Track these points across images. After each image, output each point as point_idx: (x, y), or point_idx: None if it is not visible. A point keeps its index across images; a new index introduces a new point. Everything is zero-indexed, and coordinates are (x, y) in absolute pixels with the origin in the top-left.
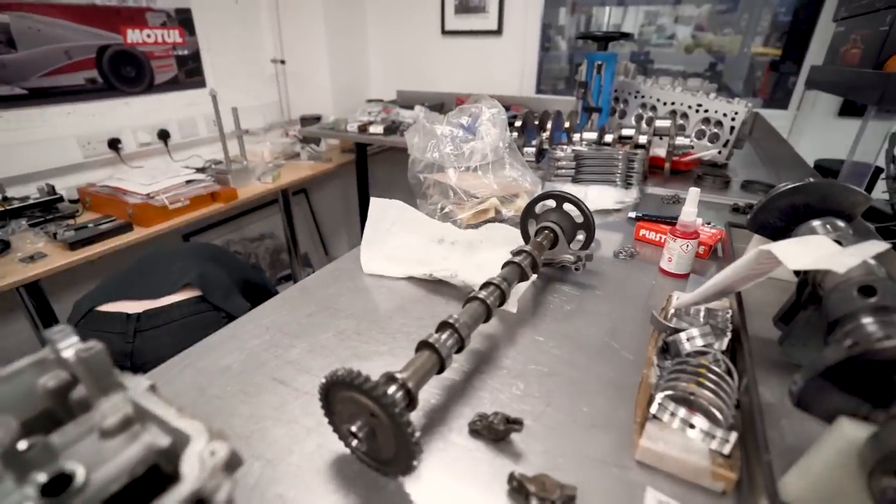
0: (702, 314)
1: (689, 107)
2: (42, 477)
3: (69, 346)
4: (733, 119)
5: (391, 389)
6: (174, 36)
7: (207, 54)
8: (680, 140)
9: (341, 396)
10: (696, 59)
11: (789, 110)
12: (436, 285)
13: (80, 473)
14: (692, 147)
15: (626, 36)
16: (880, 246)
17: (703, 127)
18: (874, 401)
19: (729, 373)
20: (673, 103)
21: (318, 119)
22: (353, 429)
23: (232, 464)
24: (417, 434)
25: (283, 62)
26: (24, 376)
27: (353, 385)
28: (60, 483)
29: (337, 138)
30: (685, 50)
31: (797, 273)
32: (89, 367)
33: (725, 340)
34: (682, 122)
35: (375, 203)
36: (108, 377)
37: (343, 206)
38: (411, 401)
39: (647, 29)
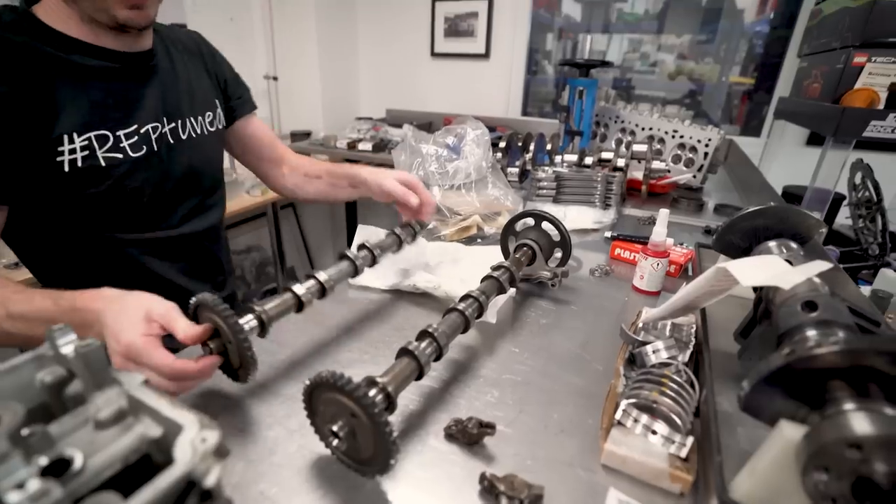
0: (668, 328)
1: (666, 132)
2: (43, 460)
3: (68, 342)
4: (707, 145)
5: (372, 392)
6: None
7: None
8: (656, 164)
9: (324, 398)
10: (678, 86)
11: (761, 138)
12: (418, 298)
13: (77, 459)
14: (668, 171)
15: (606, 64)
16: (824, 265)
17: (679, 152)
18: (811, 404)
19: (690, 383)
20: (651, 129)
21: (308, 135)
22: (335, 428)
23: (221, 451)
24: (395, 434)
25: (275, 79)
26: (22, 371)
27: (336, 386)
28: (59, 467)
29: (326, 154)
30: (668, 77)
31: (754, 290)
32: (87, 362)
33: (688, 353)
34: (659, 146)
35: (362, 229)
36: (103, 372)
37: (330, 222)
38: (390, 404)
39: (630, 56)
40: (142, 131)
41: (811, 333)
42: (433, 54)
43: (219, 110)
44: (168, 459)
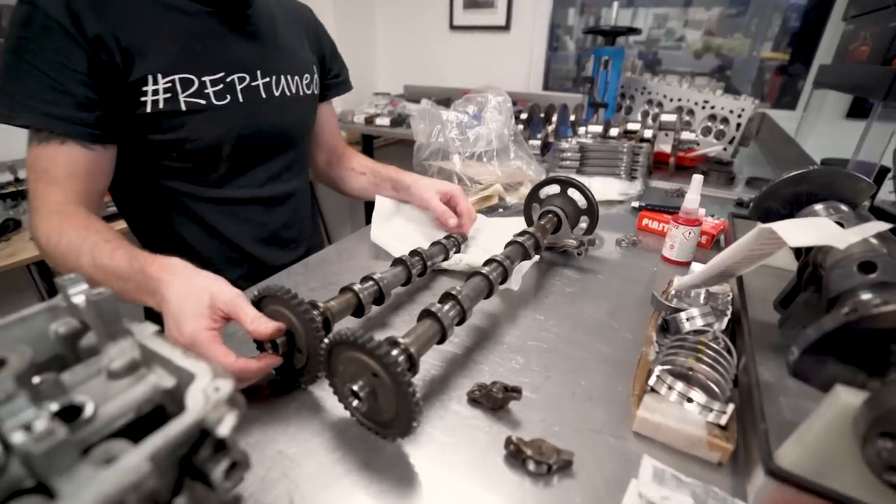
0: (702, 297)
1: (696, 103)
2: (54, 406)
3: (79, 291)
4: (740, 116)
5: (394, 351)
6: None
7: None
8: (685, 135)
9: (344, 356)
10: (705, 63)
11: (796, 111)
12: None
13: (89, 406)
14: (697, 143)
15: (633, 31)
16: (881, 225)
17: (710, 124)
18: (870, 369)
19: (728, 350)
20: (679, 100)
21: None
22: (355, 388)
23: (235, 401)
24: (418, 395)
25: None
26: (36, 321)
27: (357, 344)
28: (71, 413)
29: (343, 129)
30: (694, 54)
31: (798, 256)
32: (99, 311)
33: (725, 321)
34: (688, 118)
35: (381, 201)
36: (116, 323)
37: (348, 198)
38: (413, 365)
39: (656, 32)
40: (228, 80)
41: (868, 296)
42: (452, 27)
43: (316, 76)
44: (181, 410)
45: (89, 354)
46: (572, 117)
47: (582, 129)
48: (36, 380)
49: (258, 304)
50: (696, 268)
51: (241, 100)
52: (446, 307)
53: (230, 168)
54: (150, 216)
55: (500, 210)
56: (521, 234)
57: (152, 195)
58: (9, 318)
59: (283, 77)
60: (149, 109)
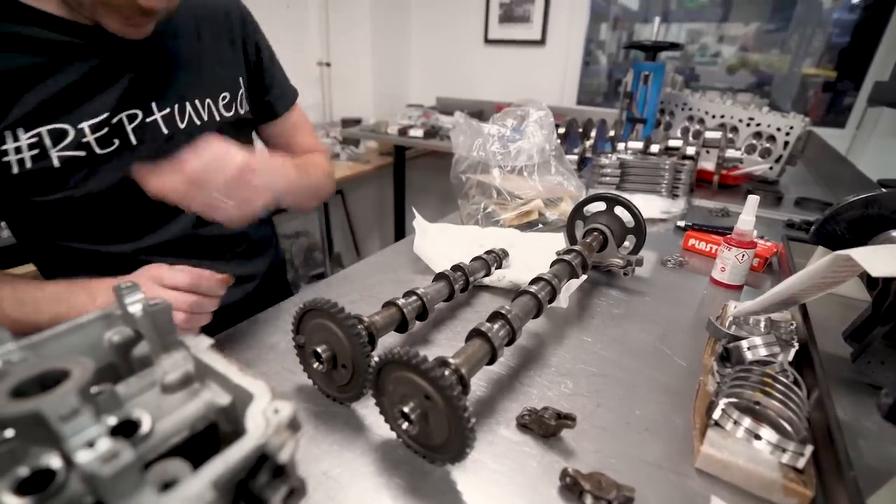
0: (762, 324)
1: (740, 120)
2: (111, 420)
3: (136, 301)
4: (787, 134)
5: (447, 374)
6: None
7: None
8: (730, 153)
9: (395, 376)
10: (740, 79)
11: (847, 129)
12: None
13: (146, 421)
14: (741, 161)
15: (675, 46)
16: None
17: (755, 141)
18: None
19: (797, 385)
20: (722, 116)
21: (358, 122)
22: (406, 410)
23: (294, 425)
24: (473, 420)
25: (328, 65)
26: (91, 329)
27: (410, 365)
28: (127, 428)
29: (377, 140)
30: (728, 69)
31: (872, 286)
32: (154, 322)
33: (792, 352)
34: (731, 135)
35: (420, 222)
36: (170, 335)
37: (377, 209)
38: (464, 387)
39: (690, 47)
40: (113, 121)
41: None
42: (487, 41)
43: (242, 91)
44: (236, 430)
45: (142, 365)
46: (611, 133)
47: (621, 145)
48: (94, 390)
49: (303, 317)
50: (749, 292)
51: (132, 141)
52: (496, 327)
53: (140, 220)
54: (57, 273)
55: (540, 225)
56: (568, 251)
57: (54, 255)
58: (66, 325)
59: (188, 104)
60: (14, 171)
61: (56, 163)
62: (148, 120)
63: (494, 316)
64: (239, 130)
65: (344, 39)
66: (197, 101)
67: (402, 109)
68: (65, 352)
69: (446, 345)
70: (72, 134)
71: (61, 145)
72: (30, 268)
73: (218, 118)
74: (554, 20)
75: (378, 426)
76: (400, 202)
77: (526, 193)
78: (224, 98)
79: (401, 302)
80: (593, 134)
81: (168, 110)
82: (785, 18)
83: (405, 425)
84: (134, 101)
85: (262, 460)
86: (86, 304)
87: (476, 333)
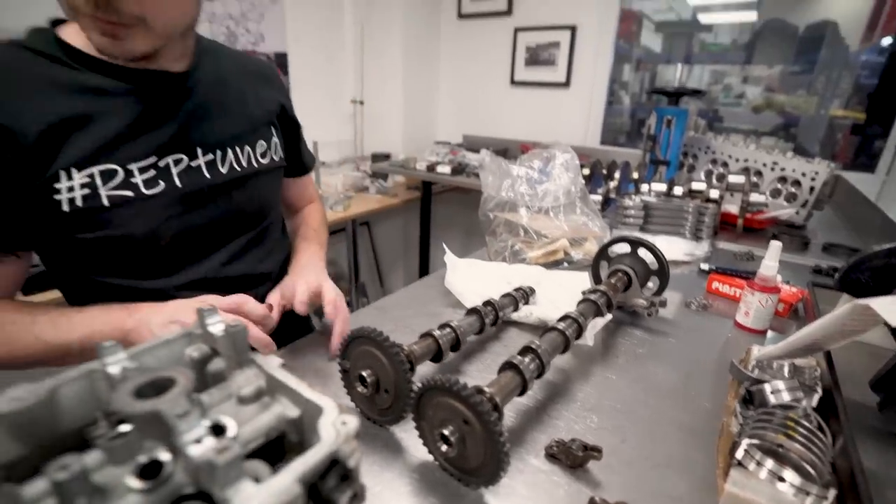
0: (786, 369)
1: (764, 164)
2: (206, 422)
3: (216, 322)
4: (813, 179)
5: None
6: None
7: (296, 93)
8: (754, 197)
9: (435, 402)
10: (765, 119)
11: (876, 175)
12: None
13: (232, 426)
14: (766, 205)
15: (698, 93)
16: None
17: (779, 185)
18: None
19: (822, 430)
20: (746, 160)
21: (387, 157)
22: (446, 432)
23: (357, 435)
24: (508, 445)
25: (361, 103)
26: (175, 345)
27: (451, 391)
28: (217, 431)
29: (406, 175)
30: (754, 109)
31: None
32: (233, 341)
33: (815, 397)
34: (756, 179)
35: (450, 258)
36: (244, 353)
37: (403, 241)
38: (499, 414)
39: (713, 88)
40: (160, 164)
41: None
42: (513, 82)
43: (275, 139)
44: (301, 441)
45: (216, 380)
46: (635, 175)
47: (645, 187)
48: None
49: (349, 343)
50: (773, 336)
51: (178, 184)
52: (527, 360)
53: (176, 257)
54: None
55: (565, 264)
56: (593, 291)
57: (89, 289)
58: (155, 340)
59: (229, 150)
60: (66, 209)
61: (105, 202)
62: (192, 164)
63: (525, 350)
64: (271, 176)
65: (377, 79)
66: (237, 148)
67: (430, 146)
68: (154, 363)
69: (477, 375)
70: (121, 175)
71: (111, 185)
72: (54, 294)
73: (256, 165)
74: (578, 64)
75: (415, 449)
76: (425, 236)
77: (552, 233)
78: (261, 146)
79: (436, 333)
80: (617, 175)
81: (211, 156)
82: (810, 61)
83: (444, 448)
84: (180, 146)
85: (332, 466)
86: (122, 319)
87: (508, 366)
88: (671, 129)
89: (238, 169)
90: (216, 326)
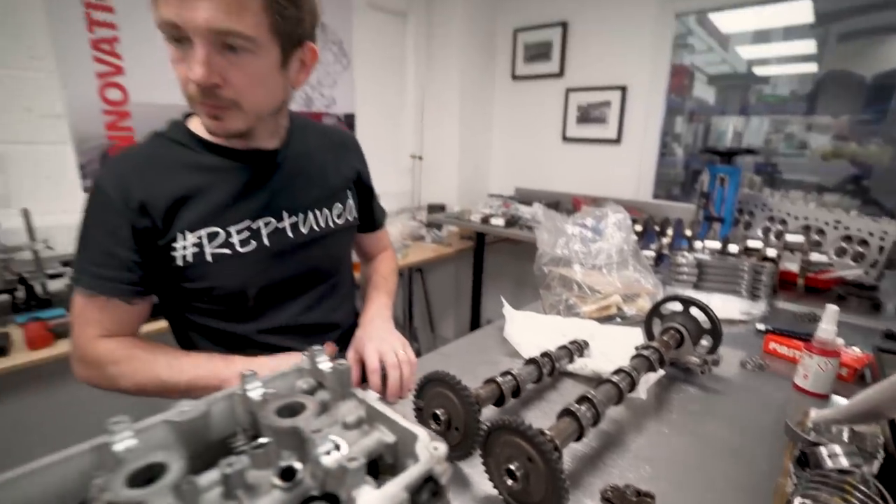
0: (845, 435)
1: (826, 223)
2: (332, 440)
3: (324, 360)
4: (882, 239)
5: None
6: None
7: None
8: (815, 256)
9: (503, 440)
10: (834, 170)
11: None
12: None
13: (344, 446)
14: (831, 265)
15: (751, 152)
16: None
17: (845, 244)
18: None
19: (883, 498)
20: (806, 218)
21: (443, 208)
22: (512, 467)
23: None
24: (568, 482)
25: (420, 158)
26: (288, 378)
27: (518, 430)
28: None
29: (460, 226)
30: (822, 157)
31: None
32: (339, 376)
33: (875, 464)
34: (817, 237)
35: (509, 311)
36: (346, 387)
37: (454, 289)
38: (559, 455)
39: (774, 136)
40: (253, 227)
41: None
42: (564, 138)
43: (350, 201)
44: (395, 463)
45: (323, 409)
46: (688, 231)
47: (698, 244)
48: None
49: (425, 385)
50: (837, 401)
51: (266, 244)
52: (583, 408)
53: (260, 305)
54: (188, 338)
55: (618, 319)
56: (646, 347)
57: (189, 326)
58: (272, 374)
59: (310, 213)
60: (179, 263)
61: (209, 258)
62: (279, 226)
63: (582, 399)
64: (345, 234)
65: (435, 136)
66: (317, 211)
67: (484, 198)
68: (273, 391)
69: (536, 421)
70: (222, 236)
71: (214, 244)
72: (163, 323)
73: (332, 225)
74: (629, 121)
75: (481, 484)
76: (477, 284)
77: (605, 289)
78: (337, 209)
79: (499, 379)
80: (670, 232)
81: (294, 219)
82: (880, 111)
83: (509, 482)
84: (270, 211)
85: (425, 482)
86: (220, 368)
87: (567, 412)
88: (724, 187)
89: (317, 229)
90: (324, 364)
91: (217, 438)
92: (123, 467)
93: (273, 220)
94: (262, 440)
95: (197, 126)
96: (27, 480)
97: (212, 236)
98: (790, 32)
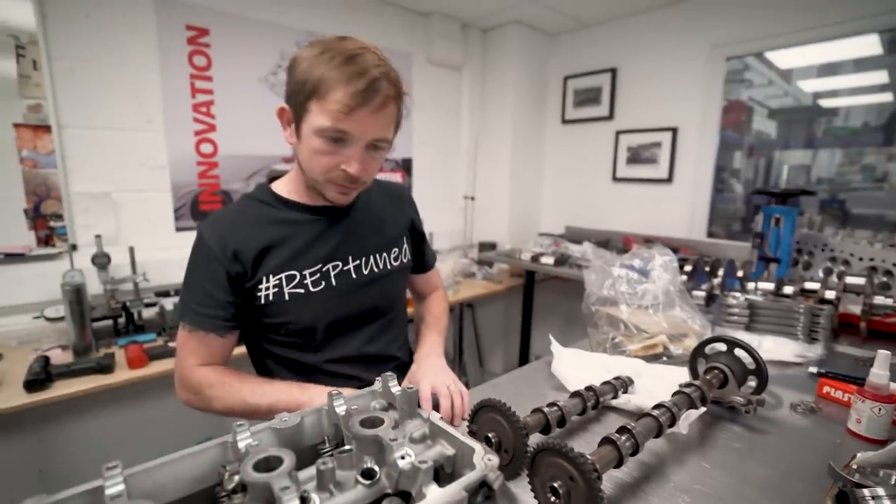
0: (893, 479)
1: (894, 264)
2: (401, 451)
3: (395, 385)
4: None
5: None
6: (397, 177)
7: (417, 190)
8: (880, 300)
9: (547, 461)
10: None
11: None
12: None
13: (412, 455)
14: None
15: (807, 193)
16: None
17: None
18: None
19: None
20: (872, 259)
21: (493, 246)
22: (556, 485)
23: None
24: (606, 501)
25: (472, 198)
26: (364, 398)
27: (561, 452)
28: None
29: (510, 264)
30: None
31: None
32: (407, 398)
33: None
34: (885, 279)
35: (556, 347)
36: (413, 407)
37: (503, 325)
38: (598, 476)
39: (846, 169)
40: (324, 269)
41: None
42: (615, 179)
43: (405, 245)
44: (454, 472)
45: (393, 427)
46: (740, 272)
47: (751, 285)
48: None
49: (478, 410)
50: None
51: (334, 284)
52: (623, 438)
53: (327, 338)
54: (264, 365)
55: (664, 359)
56: (688, 385)
57: (265, 354)
58: (354, 394)
59: (371, 256)
60: (262, 302)
61: (287, 297)
62: (345, 268)
63: (622, 430)
64: (400, 275)
65: (487, 177)
66: (377, 255)
67: (534, 237)
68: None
69: (578, 449)
70: (298, 278)
71: (291, 285)
72: (242, 349)
73: (389, 267)
74: (681, 161)
75: (527, 502)
76: (527, 321)
77: (651, 328)
78: (394, 252)
79: (546, 409)
80: (721, 272)
81: (358, 262)
82: None
83: (552, 499)
84: (338, 256)
85: (480, 487)
86: (297, 394)
87: (606, 441)
88: (780, 228)
89: (376, 270)
90: (395, 388)
91: (308, 445)
92: (250, 458)
93: (340, 263)
94: (346, 447)
95: (279, 187)
96: (166, 469)
97: (290, 279)
98: (861, 64)
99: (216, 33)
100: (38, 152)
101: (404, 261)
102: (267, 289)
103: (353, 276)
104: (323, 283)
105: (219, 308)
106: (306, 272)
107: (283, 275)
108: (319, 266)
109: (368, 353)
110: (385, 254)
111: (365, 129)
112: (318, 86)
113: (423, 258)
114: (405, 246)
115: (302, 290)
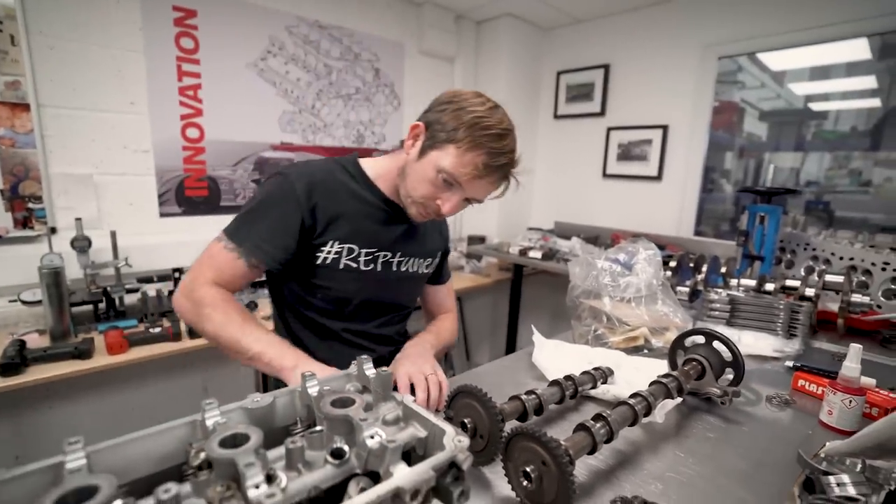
0: (859, 467)
1: (873, 264)
2: (371, 430)
3: (370, 368)
4: None
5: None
6: None
7: None
8: (857, 298)
9: (520, 445)
10: None
11: None
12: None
13: (384, 436)
14: (878, 306)
15: (791, 192)
16: None
17: (894, 286)
18: None
19: None
20: (851, 259)
21: (482, 239)
22: (528, 469)
23: (469, 449)
24: (575, 484)
25: None
26: (339, 381)
27: (535, 437)
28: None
29: (499, 258)
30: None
31: None
32: (381, 381)
33: (882, 494)
34: (863, 278)
35: (538, 338)
36: (387, 390)
37: (491, 318)
38: (571, 462)
39: (834, 173)
40: (376, 254)
41: None
42: (605, 175)
43: (436, 261)
44: (425, 454)
45: (367, 408)
46: (724, 269)
47: (734, 282)
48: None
49: (455, 396)
50: None
51: (379, 269)
52: (598, 425)
53: (355, 312)
54: (284, 317)
55: (645, 351)
56: (666, 376)
57: (289, 309)
58: (328, 376)
59: (413, 259)
60: (319, 262)
61: (341, 266)
62: (391, 260)
63: (597, 417)
64: (423, 280)
65: None
66: (417, 259)
67: (523, 231)
68: (329, 388)
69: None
70: (356, 252)
71: (349, 257)
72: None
73: (420, 272)
74: (671, 158)
75: (501, 488)
76: (514, 314)
77: (633, 321)
78: (428, 261)
79: (523, 397)
80: (705, 268)
81: (402, 259)
82: None
83: (525, 483)
84: (391, 247)
85: (449, 468)
86: (283, 360)
87: (581, 427)
88: (764, 226)
89: (411, 271)
90: (370, 371)
91: (280, 426)
92: (216, 435)
93: (389, 254)
94: (317, 428)
95: (367, 166)
96: (132, 446)
97: (350, 251)
98: (852, 68)
99: (204, 15)
100: (17, 131)
101: (427, 271)
102: (329, 252)
103: (394, 269)
104: (371, 265)
105: (277, 248)
106: (363, 251)
107: (345, 245)
108: (374, 250)
109: (381, 333)
110: (422, 260)
111: (475, 191)
112: (465, 139)
113: (441, 270)
114: (436, 261)
115: (354, 265)
